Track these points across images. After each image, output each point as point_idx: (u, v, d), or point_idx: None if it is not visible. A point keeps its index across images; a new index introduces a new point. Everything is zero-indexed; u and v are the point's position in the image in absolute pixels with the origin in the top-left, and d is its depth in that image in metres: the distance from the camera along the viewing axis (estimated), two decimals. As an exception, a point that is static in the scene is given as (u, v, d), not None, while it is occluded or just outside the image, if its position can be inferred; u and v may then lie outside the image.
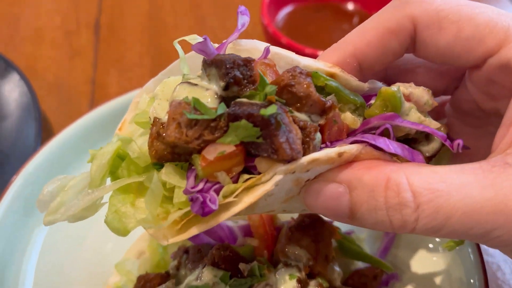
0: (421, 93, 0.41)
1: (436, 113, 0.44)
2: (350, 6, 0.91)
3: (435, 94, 0.42)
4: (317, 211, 0.38)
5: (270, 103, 0.32)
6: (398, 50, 0.41)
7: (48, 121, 0.78)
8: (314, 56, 0.42)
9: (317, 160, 0.33)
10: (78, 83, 0.85)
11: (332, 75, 0.39)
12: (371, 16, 0.42)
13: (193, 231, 0.34)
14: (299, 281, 0.45)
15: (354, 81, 0.40)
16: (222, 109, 0.33)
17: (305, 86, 0.35)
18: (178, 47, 0.40)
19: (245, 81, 0.34)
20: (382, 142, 0.36)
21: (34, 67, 0.87)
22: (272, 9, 0.86)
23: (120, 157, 0.38)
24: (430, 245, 0.57)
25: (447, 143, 0.39)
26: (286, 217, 0.54)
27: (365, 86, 0.41)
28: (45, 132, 0.75)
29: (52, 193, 0.37)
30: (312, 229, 0.48)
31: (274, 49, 0.39)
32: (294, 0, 0.90)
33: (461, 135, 0.43)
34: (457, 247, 0.49)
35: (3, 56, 0.78)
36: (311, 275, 0.47)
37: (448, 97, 0.47)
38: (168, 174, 0.34)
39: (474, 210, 0.32)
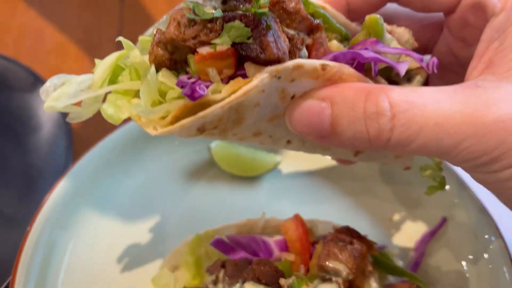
0: (403, 31, 0.45)
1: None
2: None
3: (417, 49, 0.45)
4: (299, 130, 0.39)
5: (264, 7, 0.36)
6: None
7: (75, 134, 0.78)
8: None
9: (302, 66, 0.35)
10: (103, 96, 0.86)
11: (322, 8, 0.43)
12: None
13: (183, 122, 0.35)
14: (339, 296, 0.46)
15: (342, 17, 0.44)
16: (219, 13, 0.35)
17: (295, 3, 0.38)
18: None
19: None
20: (367, 52, 0.39)
21: (60, 81, 0.88)
22: None
23: (121, 68, 0.40)
24: (463, 262, 0.57)
25: (423, 64, 0.41)
26: (322, 231, 0.55)
27: (351, 25, 0.44)
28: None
29: (56, 85, 0.40)
30: (350, 243, 0.49)
31: None
32: None
33: None
34: (437, 191, 0.52)
35: (31, 70, 0.80)
36: (350, 288, 0.48)
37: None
38: (164, 77, 0.37)
39: (446, 121, 0.35)
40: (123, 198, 0.63)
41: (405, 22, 0.48)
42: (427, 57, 0.46)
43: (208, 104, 0.35)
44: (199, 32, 0.36)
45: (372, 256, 0.52)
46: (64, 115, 0.73)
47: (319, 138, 0.38)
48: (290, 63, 0.35)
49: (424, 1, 0.44)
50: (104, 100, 0.40)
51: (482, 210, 0.57)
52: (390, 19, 0.47)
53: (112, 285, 0.57)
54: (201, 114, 0.35)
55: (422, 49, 0.48)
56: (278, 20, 0.37)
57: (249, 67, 0.35)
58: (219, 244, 0.53)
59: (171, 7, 1.04)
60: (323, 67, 0.36)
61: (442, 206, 0.61)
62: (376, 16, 0.42)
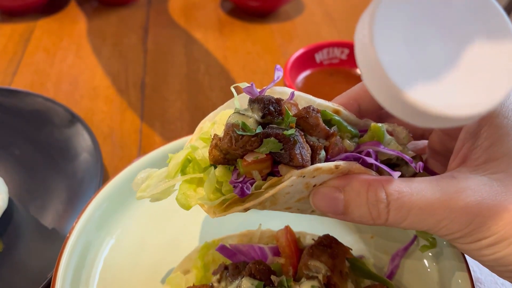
0: (401, 130, 0.57)
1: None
2: (359, 71, 1.07)
3: (416, 137, 0.59)
4: (320, 210, 0.51)
5: (291, 127, 0.49)
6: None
7: (104, 164, 0.92)
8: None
9: (320, 168, 0.48)
10: (128, 133, 1.00)
11: (337, 112, 0.56)
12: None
13: (234, 209, 0.50)
14: (319, 290, 0.56)
15: (353, 117, 0.57)
16: (259, 129, 0.48)
17: (315, 118, 0.51)
18: (233, 90, 0.56)
19: (276, 113, 0.50)
20: (369, 159, 0.53)
21: (91, 119, 1.02)
22: (293, 73, 1.02)
23: (188, 160, 0.54)
24: (429, 270, 0.67)
25: (412, 165, 0.55)
26: (309, 241, 0.66)
27: (361, 122, 0.59)
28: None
29: (142, 178, 0.55)
30: (329, 247, 0.60)
31: (298, 93, 0.56)
32: (311, 66, 1.06)
33: (438, 171, 0.60)
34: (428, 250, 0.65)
35: (69, 109, 0.94)
36: (329, 287, 0.58)
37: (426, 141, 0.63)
38: (220, 172, 0.51)
39: (427, 206, 0.47)
40: (142, 217, 0.75)
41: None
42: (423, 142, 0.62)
43: (251, 196, 0.49)
44: (245, 144, 0.47)
45: (349, 261, 0.63)
46: (95, 143, 0.87)
47: (335, 215, 0.50)
48: (311, 167, 0.47)
49: None
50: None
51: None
52: (391, 115, 0.59)
53: (136, 279, 0.68)
54: (247, 205, 0.49)
55: (419, 137, 0.62)
56: (302, 133, 0.49)
57: (281, 168, 0.48)
58: (223, 250, 0.64)
59: (190, 60, 1.19)
60: (336, 167, 0.48)
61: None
62: (378, 125, 0.55)
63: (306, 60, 1.05)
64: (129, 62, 1.22)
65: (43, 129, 0.91)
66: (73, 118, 0.92)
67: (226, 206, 0.50)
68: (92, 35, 1.32)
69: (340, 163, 0.49)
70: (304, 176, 0.48)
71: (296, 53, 1.03)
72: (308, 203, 0.53)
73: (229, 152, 0.49)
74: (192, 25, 1.38)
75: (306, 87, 1.04)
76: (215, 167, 0.51)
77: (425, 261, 0.68)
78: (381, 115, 0.61)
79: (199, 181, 0.53)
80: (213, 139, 0.50)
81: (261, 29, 1.37)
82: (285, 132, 0.47)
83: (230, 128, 0.48)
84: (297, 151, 0.47)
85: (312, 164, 0.48)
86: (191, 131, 1.00)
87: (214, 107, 1.07)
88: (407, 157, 0.54)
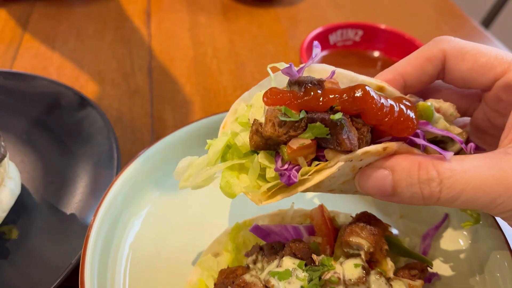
0: (448, 107, 0.55)
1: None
2: (375, 54, 1.05)
3: (459, 113, 0.57)
4: (367, 191, 0.50)
5: (337, 111, 0.46)
6: (432, 73, 0.56)
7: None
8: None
9: (368, 152, 0.46)
10: (139, 116, 0.96)
11: (381, 88, 0.53)
12: (392, 61, 0.58)
13: (279, 197, 0.48)
14: (363, 268, 0.54)
15: (397, 93, 0.54)
16: (303, 114, 0.46)
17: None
18: (269, 70, 0.54)
19: None
20: (418, 139, 0.50)
21: (100, 104, 0.98)
22: (308, 54, 0.99)
23: (228, 146, 0.52)
24: (463, 248, 0.66)
25: (463, 145, 0.53)
26: (343, 220, 0.64)
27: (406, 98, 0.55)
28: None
29: (183, 167, 0.54)
30: (369, 224, 0.58)
31: (339, 70, 0.52)
32: (325, 47, 1.04)
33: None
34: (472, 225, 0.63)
35: (77, 91, 0.90)
36: (370, 264, 0.56)
37: (469, 118, 0.61)
38: (262, 158, 0.49)
39: (481, 183, 0.45)
40: (167, 197, 0.72)
41: (448, 92, 0.59)
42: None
43: (298, 183, 0.48)
44: (289, 129, 0.46)
45: (386, 239, 0.61)
46: (108, 126, 0.83)
47: (382, 197, 0.49)
48: (359, 151, 0.46)
49: (465, 81, 0.54)
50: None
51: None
52: (435, 91, 0.60)
53: (161, 267, 0.65)
54: (293, 192, 0.48)
55: (462, 113, 0.60)
56: (348, 116, 0.47)
57: (328, 153, 0.47)
58: (257, 230, 0.61)
59: (196, 44, 1.16)
60: (384, 148, 0.47)
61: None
62: (427, 103, 0.53)
63: (320, 41, 1.02)
64: (133, 46, 1.18)
65: (53, 112, 0.87)
66: (83, 101, 0.88)
67: (271, 194, 0.49)
68: (92, 19, 1.28)
69: (388, 144, 0.47)
70: (351, 161, 0.46)
71: (311, 33, 1.00)
72: (352, 184, 0.52)
73: (271, 138, 0.47)
74: (195, 9, 1.34)
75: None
76: (257, 153, 0.50)
77: (460, 240, 0.67)
78: (427, 91, 0.59)
79: (241, 167, 0.52)
80: (253, 124, 0.49)
81: (266, 13, 1.34)
82: (332, 117, 0.45)
83: (272, 113, 0.47)
84: (345, 136, 0.45)
85: (359, 148, 0.46)
86: (204, 114, 0.97)
87: (225, 91, 1.04)
88: (458, 139, 0.52)
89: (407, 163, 0.47)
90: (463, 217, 0.69)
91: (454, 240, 0.68)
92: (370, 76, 0.56)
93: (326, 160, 0.47)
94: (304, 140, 0.46)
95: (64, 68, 1.09)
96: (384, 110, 0.46)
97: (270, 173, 0.48)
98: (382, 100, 0.46)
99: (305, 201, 0.68)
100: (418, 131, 0.52)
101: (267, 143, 0.48)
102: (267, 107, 0.48)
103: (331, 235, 0.60)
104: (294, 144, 0.46)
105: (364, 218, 0.60)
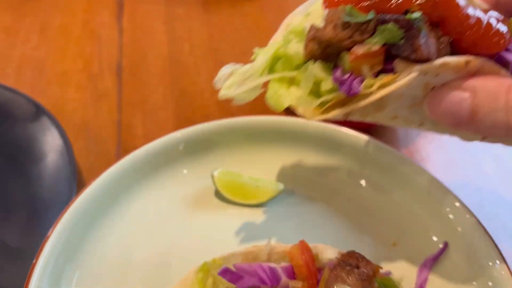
0: None
1: None
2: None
3: None
4: (437, 117, 0.43)
5: (413, 11, 0.40)
6: None
7: (78, 164, 0.79)
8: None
9: (447, 64, 0.40)
10: (105, 125, 0.87)
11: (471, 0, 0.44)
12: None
13: (334, 112, 0.43)
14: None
15: (485, 5, 0.46)
16: (372, 15, 0.40)
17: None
18: None
19: None
20: (509, 54, 0.43)
21: (61, 110, 0.88)
22: None
23: (277, 58, 0.47)
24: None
25: None
26: (327, 257, 0.55)
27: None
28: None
29: (226, 74, 0.49)
30: (356, 267, 0.50)
31: None
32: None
33: None
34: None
35: (33, 100, 0.80)
36: (359, 315, 0.48)
37: None
38: (317, 69, 0.43)
39: None
40: (127, 227, 0.63)
41: None
42: None
43: (359, 97, 0.41)
44: (353, 33, 0.41)
45: (378, 281, 0.53)
46: (65, 142, 0.74)
47: (455, 124, 0.42)
48: (438, 62, 0.40)
49: None
50: (264, 86, 0.48)
51: (485, 236, 0.58)
52: None
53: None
54: (350, 107, 0.42)
55: None
56: (428, 25, 0.40)
57: (398, 64, 0.40)
58: (227, 274, 0.53)
59: (172, 39, 1.06)
60: (467, 62, 0.40)
61: (445, 232, 0.62)
62: None
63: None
64: (102, 42, 1.07)
65: (2, 124, 0.77)
66: (38, 110, 0.78)
67: (325, 109, 0.43)
68: (58, 11, 1.16)
69: (471, 58, 0.41)
70: (426, 74, 0.40)
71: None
72: (419, 111, 0.45)
73: (331, 45, 0.42)
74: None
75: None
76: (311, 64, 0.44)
77: (462, 273, 0.59)
78: None
79: (291, 81, 0.46)
80: (309, 30, 0.44)
81: (250, 3, 1.24)
82: (408, 16, 0.39)
83: (334, 14, 0.42)
84: (422, 41, 0.39)
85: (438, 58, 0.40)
86: (177, 122, 0.87)
87: (202, 94, 0.94)
88: None
89: (493, 84, 0.40)
90: (464, 247, 0.61)
91: (455, 274, 0.60)
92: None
93: (396, 73, 0.41)
94: (370, 46, 0.40)
95: (25, 68, 0.98)
96: (470, 21, 0.40)
97: (326, 85, 0.43)
98: (469, 10, 0.40)
99: (282, 235, 0.60)
100: (510, 47, 0.43)
101: (325, 51, 0.43)
102: (327, 10, 0.43)
103: (313, 278, 0.52)
104: (359, 50, 0.40)
105: (351, 259, 0.51)
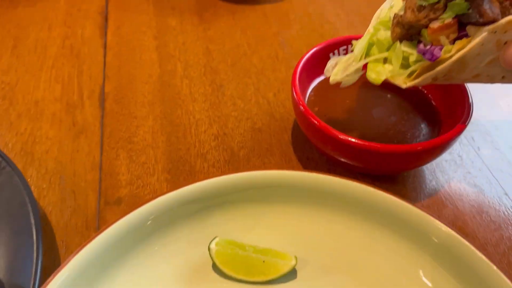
0: None
1: None
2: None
3: None
4: None
5: None
6: None
7: (48, 222, 0.66)
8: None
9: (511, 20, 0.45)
10: (83, 169, 0.74)
11: None
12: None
13: (423, 77, 0.51)
14: None
15: None
16: None
17: None
18: None
19: None
20: None
21: (32, 151, 0.75)
22: (304, 80, 0.76)
23: (371, 44, 0.58)
24: None
25: None
26: None
27: None
28: (46, 239, 0.64)
29: (332, 65, 0.62)
30: None
31: None
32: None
33: None
34: None
35: (-4, 146, 0.67)
36: None
37: None
38: (405, 46, 0.53)
39: None
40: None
41: None
42: None
43: (441, 61, 0.49)
44: (428, 13, 0.49)
45: None
46: (31, 200, 0.61)
47: None
48: (503, 21, 0.46)
49: None
50: (363, 69, 0.59)
51: None
52: None
53: None
54: (438, 68, 0.50)
55: None
56: None
57: (470, 29, 0.48)
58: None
59: (163, 57, 0.93)
60: None
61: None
62: None
63: (319, 61, 0.79)
64: (83, 61, 0.94)
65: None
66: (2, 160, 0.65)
67: (415, 76, 0.52)
68: (34, 24, 1.03)
69: None
70: (495, 32, 0.47)
71: (304, 57, 0.77)
72: (498, 65, 0.51)
73: (412, 26, 0.51)
74: (164, 9, 1.09)
75: (320, 98, 0.79)
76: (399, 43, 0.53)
77: None
78: None
79: (385, 60, 0.56)
80: (393, 18, 0.54)
81: (251, 11, 1.10)
82: None
83: (411, 1, 0.51)
84: (486, 6, 0.46)
85: (503, 17, 0.47)
86: (168, 164, 0.75)
87: (197, 127, 0.81)
88: None
89: None
90: None
91: None
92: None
93: (469, 37, 0.48)
94: (444, 20, 0.49)
95: (-9, 97, 0.85)
96: None
97: (413, 57, 0.52)
98: None
99: None
100: None
101: (408, 32, 0.52)
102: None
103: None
104: (435, 24, 0.49)
105: None
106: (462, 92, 0.71)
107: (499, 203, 0.72)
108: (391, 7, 0.58)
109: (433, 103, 0.78)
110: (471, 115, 0.68)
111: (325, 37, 1.03)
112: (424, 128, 0.75)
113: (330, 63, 0.62)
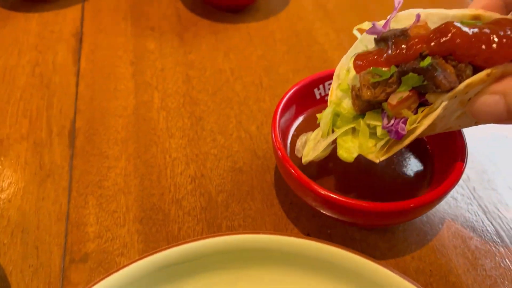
0: None
1: None
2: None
3: None
4: (482, 119, 0.49)
5: (426, 56, 0.46)
6: None
7: (8, 285, 0.61)
8: None
9: (471, 83, 0.46)
10: (48, 220, 0.68)
11: (477, 17, 0.49)
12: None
13: (395, 149, 0.51)
14: None
15: (497, 15, 0.49)
16: (393, 69, 0.48)
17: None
18: (356, 33, 0.57)
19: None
20: None
21: (-6, 200, 0.70)
22: (286, 118, 0.71)
23: (337, 114, 0.56)
24: None
25: None
26: None
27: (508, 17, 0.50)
28: (2, 307, 0.59)
29: (301, 144, 0.63)
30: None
31: (426, 11, 0.51)
32: (310, 105, 0.75)
33: None
34: None
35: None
36: None
37: None
38: (369, 118, 0.53)
39: None
40: None
41: None
42: None
43: (409, 132, 0.50)
44: (384, 88, 0.49)
45: None
46: None
47: (500, 122, 0.48)
48: (461, 86, 0.46)
49: None
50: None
51: None
52: None
53: None
54: (407, 141, 0.50)
55: None
56: (440, 58, 0.46)
57: (430, 96, 0.48)
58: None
59: (140, 86, 0.87)
60: (488, 74, 0.45)
61: None
62: None
63: (303, 97, 0.73)
64: (54, 92, 0.88)
65: None
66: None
67: (386, 149, 0.52)
68: (4, 49, 0.97)
69: (491, 70, 0.46)
70: (456, 97, 0.47)
71: (287, 93, 0.71)
72: (467, 117, 0.51)
73: (371, 101, 0.51)
74: (142, 29, 1.03)
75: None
76: (364, 116, 0.53)
77: None
78: None
79: (353, 131, 0.55)
80: (352, 90, 0.53)
81: (235, 30, 1.04)
82: (422, 64, 0.46)
83: (365, 78, 0.50)
84: (440, 77, 0.46)
85: (460, 82, 0.47)
86: (140, 213, 0.69)
87: (173, 168, 0.75)
88: None
89: None
90: None
91: None
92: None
93: (431, 104, 0.48)
94: (402, 93, 0.48)
95: (-48, 136, 0.79)
96: (478, 44, 0.45)
97: (380, 130, 0.52)
98: (474, 30, 0.45)
99: None
100: None
101: (369, 104, 0.52)
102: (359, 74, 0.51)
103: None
104: (393, 100, 0.49)
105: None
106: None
107: (495, 254, 0.67)
108: (347, 71, 0.56)
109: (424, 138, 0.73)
110: (466, 159, 0.62)
111: (313, 60, 0.97)
112: (415, 166, 0.69)
113: (299, 143, 0.61)
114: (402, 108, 0.49)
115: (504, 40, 0.44)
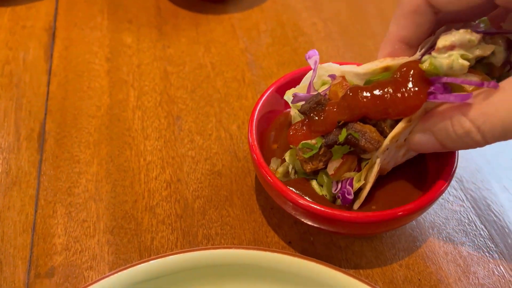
0: (462, 35, 0.46)
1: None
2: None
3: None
4: (423, 152, 0.54)
5: (344, 123, 0.51)
6: (428, 20, 0.50)
7: (-32, 304, 0.57)
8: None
9: (396, 134, 0.49)
10: (13, 232, 0.64)
11: (386, 68, 0.51)
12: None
13: (363, 195, 0.54)
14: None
15: (405, 60, 0.50)
16: (319, 142, 0.52)
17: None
18: (287, 98, 0.62)
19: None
20: (439, 95, 0.47)
21: (-45, 212, 0.66)
22: (259, 134, 0.66)
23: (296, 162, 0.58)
24: None
25: (484, 85, 0.45)
26: None
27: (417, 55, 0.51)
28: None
29: (274, 168, 0.61)
30: None
31: (341, 68, 0.55)
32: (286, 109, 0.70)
33: None
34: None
35: None
36: None
37: None
38: (322, 181, 0.56)
39: None
40: None
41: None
42: None
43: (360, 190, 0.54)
44: (320, 158, 0.53)
45: None
46: None
47: (438, 151, 0.50)
48: (387, 141, 0.49)
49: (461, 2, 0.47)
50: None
51: None
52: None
53: None
54: (364, 193, 0.54)
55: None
56: (358, 122, 0.50)
57: (364, 155, 0.52)
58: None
59: (115, 83, 0.80)
60: (409, 120, 0.48)
61: None
62: (424, 67, 0.48)
63: (276, 102, 0.68)
64: (24, 93, 0.83)
65: None
66: None
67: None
68: (-27, 46, 0.92)
69: (411, 116, 0.48)
70: (388, 149, 0.50)
71: (268, 89, 0.66)
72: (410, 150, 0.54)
73: (313, 171, 0.54)
74: (119, 22, 0.97)
75: (282, 133, 0.69)
76: (317, 173, 0.56)
77: None
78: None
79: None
80: (297, 156, 0.54)
81: (217, 22, 0.98)
82: (340, 138, 0.49)
83: (299, 153, 0.53)
84: (362, 142, 0.48)
85: (385, 136, 0.49)
86: (112, 222, 0.65)
87: (147, 173, 0.71)
88: (477, 83, 0.45)
89: (439, 121, 0.47)
90: None
91: None
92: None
93: (369, 158, 0.51)
94: (336, 162, 0.51)
95: None
96: (384, 106, 0.47)
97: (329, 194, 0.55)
98: (378, 92, 0.48)
99: None
100: (432, 88, 0.47)
101: (317, 170, 0.55)
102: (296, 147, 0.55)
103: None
104: (330, 169, 0.52)
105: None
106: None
107: (488, 260, 0.63)
108: (294, 115, 0.60)
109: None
110: (457, 162, 0.58)
111: (299, 53, 0.92)
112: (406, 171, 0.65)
113: (271, 166, 0.61)
114: (342, 173, 0.52)
115: (406, 94, 0.46)
